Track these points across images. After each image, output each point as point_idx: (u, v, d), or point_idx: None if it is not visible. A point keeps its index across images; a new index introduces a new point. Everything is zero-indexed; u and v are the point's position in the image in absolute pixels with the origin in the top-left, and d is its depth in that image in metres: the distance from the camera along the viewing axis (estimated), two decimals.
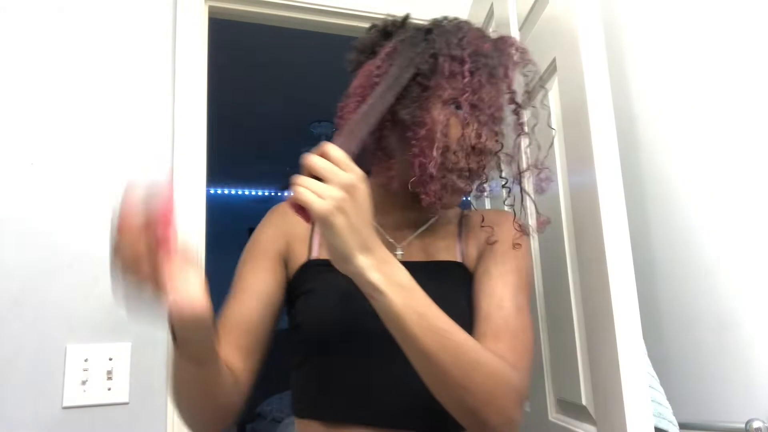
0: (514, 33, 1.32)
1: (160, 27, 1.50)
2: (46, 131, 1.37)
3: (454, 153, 0.79)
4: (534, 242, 1.21)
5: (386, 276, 0.65)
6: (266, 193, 5.11)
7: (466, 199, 0.97)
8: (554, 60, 1.07)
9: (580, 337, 0.99)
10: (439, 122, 0.79)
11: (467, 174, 0.81)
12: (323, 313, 0.84)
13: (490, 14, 1.50)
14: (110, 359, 1.30)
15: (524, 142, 0.92)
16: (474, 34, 0.82)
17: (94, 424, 1.27)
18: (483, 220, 0.90)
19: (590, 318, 0.95)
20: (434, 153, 0.78)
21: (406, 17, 0.88)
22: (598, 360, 0.91)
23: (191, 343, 0.66)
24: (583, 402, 0.97)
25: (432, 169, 0.79)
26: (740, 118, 1.08)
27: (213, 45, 1.58)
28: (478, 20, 1.62)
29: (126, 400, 1.29)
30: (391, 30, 0.88)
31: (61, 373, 1.27)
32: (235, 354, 0.81)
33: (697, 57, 1.18)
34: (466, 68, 0.78)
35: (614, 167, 0.91)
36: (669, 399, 1.10)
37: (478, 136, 0.79)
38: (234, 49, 2.53)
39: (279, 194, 4.90)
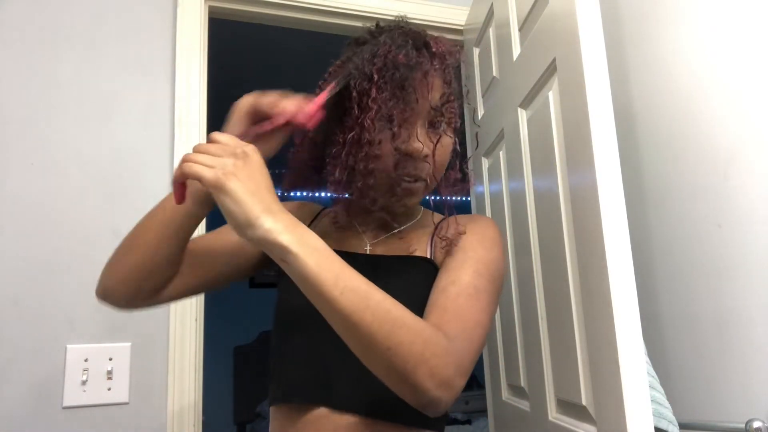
0: (514, 33, 1.32)
1: (160, 27, 1.50)
2: (46, 131, 1.37)
3: (374, 164, 0.80)
4: (534, 242, 1.21)
5: (297, 237, 0.62)
6: None
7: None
8: (554, 60, 1.07)
9: (580, 337, 0.99)
10: (349, 141, 0.81)
11: (409, 179, 0.83)
12: (292, 295, 0.84)
13: (490, 14, 1.50)
14: (110, 359, 1.30)
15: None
16: (388, 46, 0.81)
17: (94, 424, 1.27)
18: (457, 221, 0.91)
19: (590, 318, 0.95)
20: (336, 174, 0.82)
21: (377, 25, 0.88)
22: (598, 360, 0.91)
23: None
24: (583, 402, 0.97)
25: (338, 191, 0.85)
26: (740, 118, 1.08)
27: (213, 45, 1.58)
28: (477, 20, 1.62)
29: (126, 400, 1.29)
30: (364, 40, 0.87)
31: (61, 373, 1.27)
32: (187, 261, 0.84)
33: (697, 56, 1.18)
34: (374, 84, 0.79)
35: (614, 167, 0.91)
36: (669, 399, 1.10)
37: (391, 145, 0.80)
38: (234, 49, 2.53)
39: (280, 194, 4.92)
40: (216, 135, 0.67)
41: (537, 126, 1.20)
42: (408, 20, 0.91)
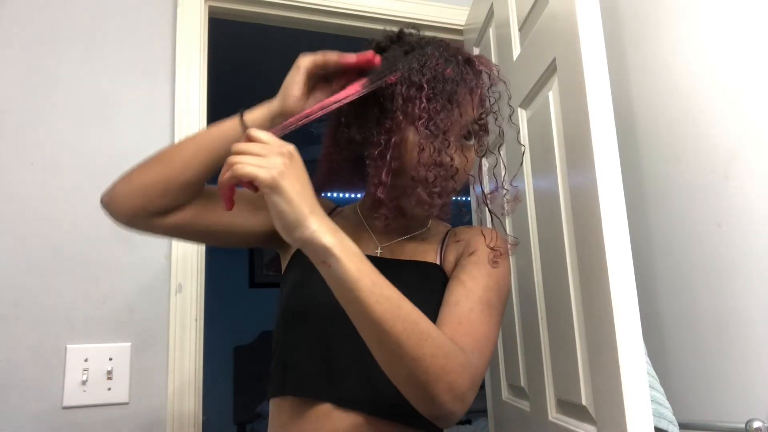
0: (514, 33, 1.32)
1: (160, 27, 1.50)
2: (46, 131, 1.37)
3: (414, 171, 0.81)
4: (534, 242, 1.21)
5: (339, 241, 0.64)
6: None
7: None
8: (554, 60, 1.07)
9: (580, 337, 0.99)
10: (392, 144, 0.81)
11: (437, 190, 0.83)
12: (299, 292, 0.86)
13: (490, 14, 1.50)
14: (110, 359, 1.30)
15: (490, 162, 0.95)
16: (437, 58, 0.83)
17: (94, 424, 1.27)
18: (468, 232, 0.93)
19: (590, 318, 0.95)
20: (383, 176, 0.81)
21: (401, 32, 0.90)
22: (598, 360, 0.91)
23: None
24: (583, 402, 0.97)
25: (380, 193, 0.82)
26: (740, 118, 1.08)
27: (213, 45, 1.58)
28: (477, 20, 1.62)
29: (126, 400, 1.29)
30: (384, 45, 0.89)
31: (61, 373, 1.27)
32: (199, 200, 0.84)
33: (697, 56, 1.18)
34: (424, 94, 0.80)
35: (614, 167, 0.91)
36: (669, 399, 1.10)
37: (435, 155, 0.81)
38: (234, 48, 2.53)
39: None
40: (255, 133, 0.66)
41: (537, 126, 1.20)
42: (412, 22, 0.92)
